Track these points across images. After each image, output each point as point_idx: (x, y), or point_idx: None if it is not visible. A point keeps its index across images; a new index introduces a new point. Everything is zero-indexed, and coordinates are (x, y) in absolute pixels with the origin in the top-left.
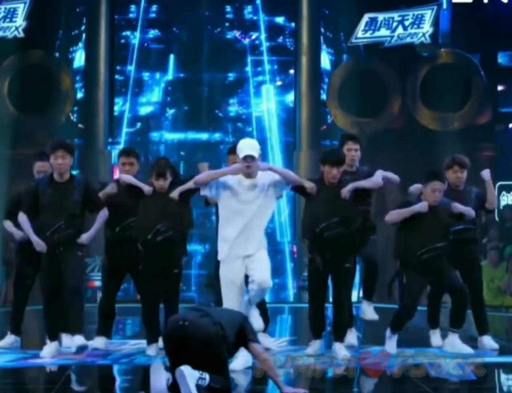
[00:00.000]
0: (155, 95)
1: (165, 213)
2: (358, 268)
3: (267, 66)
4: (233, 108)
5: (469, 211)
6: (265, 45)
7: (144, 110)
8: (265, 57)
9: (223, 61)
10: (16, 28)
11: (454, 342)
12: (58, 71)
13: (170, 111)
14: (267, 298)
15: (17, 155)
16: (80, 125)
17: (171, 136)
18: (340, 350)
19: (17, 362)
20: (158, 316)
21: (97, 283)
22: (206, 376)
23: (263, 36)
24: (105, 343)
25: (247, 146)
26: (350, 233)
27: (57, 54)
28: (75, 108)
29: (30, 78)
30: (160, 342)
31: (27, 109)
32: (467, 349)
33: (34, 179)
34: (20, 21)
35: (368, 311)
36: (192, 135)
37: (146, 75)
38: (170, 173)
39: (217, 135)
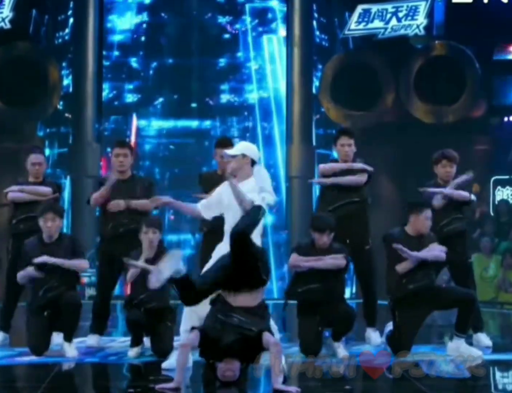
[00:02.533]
0: (143, 80)
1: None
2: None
3: (259, 52)
4: (224, 95)
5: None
6: (259, 30)
7: (131, 97)
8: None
9: (214, 46)
10: (3, 19)
11: (459, 346)
12: (45, 63)
13: (159, 99)
14: None
15: (2, 149)
16: (67, 115)
17: (158, 124)
18: (339, 349)
19: (4, 360)
20: (141, 320)
21: (86, 279)
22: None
23: (256, 21)
24: (98, 341)
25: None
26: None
27: (43, 41)
28: (63, 99)
29: (17, 70)
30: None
31: (13, 102)
32: (474, 353)
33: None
34: (7, 12)
35: (373, 337)
36: (181, 123)
37: (133, 60)
38: (160, 229)
39: (207, 123)
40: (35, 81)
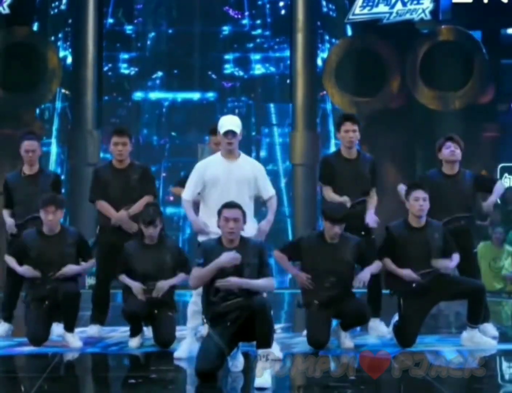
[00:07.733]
0: (140, 51)
1: (154, 269)
2: None
3: (266, 20)
4: (228, 66)
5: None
6: None
7: (127, 68)
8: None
9: (217, 14)
10: (1, 3)
11: (473, 337)
12: (44, 48)
13: (157, 70)
14: None
15: (1, 135)
16: (63, 91)
17: (155, 95)
18: (346, 339)
19: (4, 350)
20: (140, 311)
21: None
22: None
23: None
24: (99, 331)
25: (228, 122)
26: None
27: (38, 14)
28: (62, 83)
29: (16, 56)
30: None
31: (12, 88)
32: (488, 343)
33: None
34: None
35: (378, 327)
36: (182, 96)
37: (129, 28)
38: (160, 220)
39: (210, 95)
40: (34, 66)
